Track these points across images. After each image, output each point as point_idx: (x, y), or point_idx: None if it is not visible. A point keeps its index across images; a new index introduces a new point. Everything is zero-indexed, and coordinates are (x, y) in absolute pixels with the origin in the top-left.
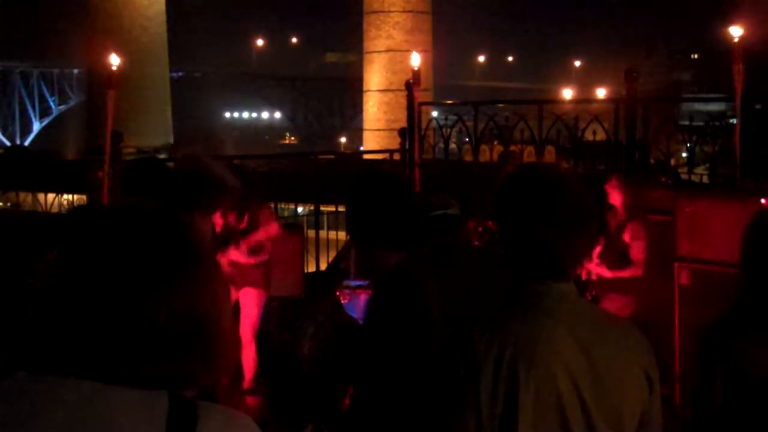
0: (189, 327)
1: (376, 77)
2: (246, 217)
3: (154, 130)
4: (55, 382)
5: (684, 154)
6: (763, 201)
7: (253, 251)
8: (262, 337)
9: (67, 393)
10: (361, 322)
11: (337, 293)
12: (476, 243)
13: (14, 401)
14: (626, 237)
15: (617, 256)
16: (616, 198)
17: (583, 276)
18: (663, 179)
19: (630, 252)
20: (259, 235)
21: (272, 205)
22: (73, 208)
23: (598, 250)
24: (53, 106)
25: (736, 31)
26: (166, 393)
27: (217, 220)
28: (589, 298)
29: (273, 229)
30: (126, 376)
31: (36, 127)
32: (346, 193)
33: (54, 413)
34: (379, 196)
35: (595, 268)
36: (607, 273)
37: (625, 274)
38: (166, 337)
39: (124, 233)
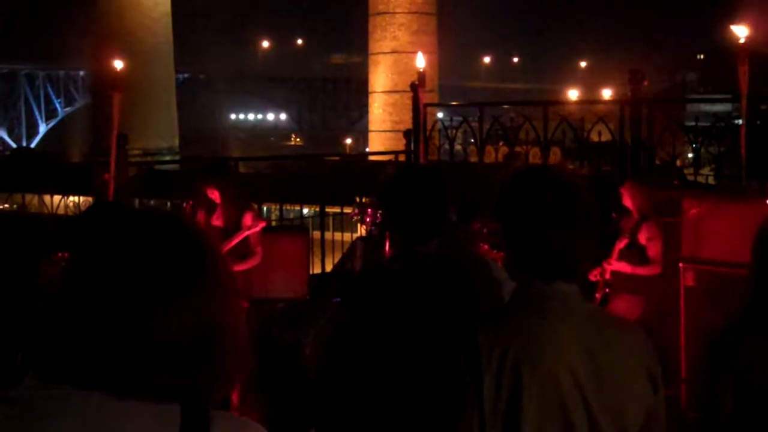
0: (202, 338)
1: (381, 79)
2: (224, 218)
3: (160, 132)
4: (65, 392)
5: (690, 155)
6: None
7: (235, 258)
8: (264, 341)
9: (77, 403)
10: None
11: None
12: (482, 245)
13: (23, 410)
14: (642, 237)
15: (635, 255)
16: (629, 201)
17: (597, 276)
18: (676, 182)
19: (647, 251)
20: (236, 239)
21: (255, 206)
22: (94, 204)
23: (619, 246)
24: (59, 108)
25: (741, 32)
26: (179, 405)
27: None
28: (600, 297)
29: (250, 232)
30: (137, 387)
31: (42, 128)
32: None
33: (63, 424)
34: (415, 190)
35: (615, 264)
36: (627, 269)
37: (644, 271)
38: (178, 348)
39: (136, 240)
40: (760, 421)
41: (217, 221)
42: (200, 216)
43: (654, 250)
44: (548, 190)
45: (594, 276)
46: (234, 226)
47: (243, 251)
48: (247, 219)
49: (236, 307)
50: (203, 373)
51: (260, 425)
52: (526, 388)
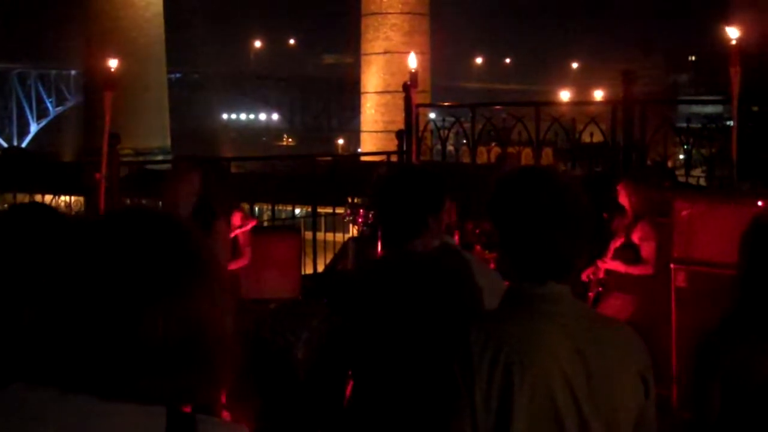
0: (189, 339)
1: (373, 79)
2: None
3: (152, 132)
4: (51, 395)
5: (681, 156)
6: (759, 203)
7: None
8: (256, 343)
9: (63, 406)
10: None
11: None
12: (474, 245)
13: (8, 413)
14: (636, 237)
15: (629, 255)
16: (625, 199)
17: (589, 274)
18: (667, 183)
19: (641, 251)
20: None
21: (246, 207)
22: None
23: (615, 245)
24: (51, 108)
25: (733, 33)
26: (164, 408)
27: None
28: (593, 296)
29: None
30: (123, 391)
31: (33, 128)
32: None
33: (49, 427)
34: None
35: (609, 263)
36: (620, 268)
37: (636, 271)
38: (165, 350)
39: (121, 240)
40: (749, 421)
41: None
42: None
43: (647, 250)
44: (541, 192)
45: (587, 275)
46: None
47: (232, 251)
48: (236, 219)
49: (225, 309)
50: (190, 376)
51: (248, 430)
52: (517, 389)
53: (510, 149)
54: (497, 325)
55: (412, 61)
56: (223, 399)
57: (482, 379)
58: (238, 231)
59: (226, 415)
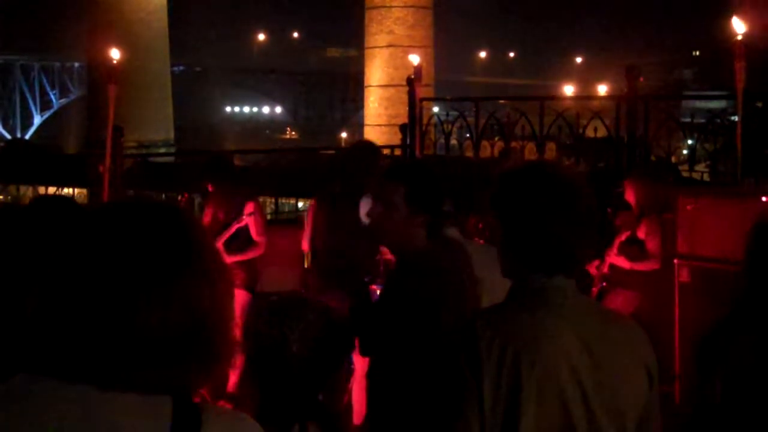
0: (188, 330)
1: (377, 72)
2: (224, 211)
3: (155, 125)
4: (56, 385)
5: (685, 152)
6: (764, 199)
7: (238, 248)
8: (250, 336)
9: (68, 397)
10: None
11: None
12: (477, 240)
13: (13, 404)
14: (641, 232)
15: (635, 250)
16: (632, 195)
17: (594, 269)
18: (670, 178)
19: (646, 246)
20: (231, 229)
21: (261, 200)
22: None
23: (619, 240)
24: (54, 100)
25: (738, 28)
26: (170, 397)
27: (206, 214)
28: (597, 291)
29: (249, 221)
30: (123, 380)
31: (37, 120)
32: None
33: (54, 417)
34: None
35: (614, 258)
36: (626, 264)
37: (642, 267)
38: (163, 340)
39: (116, 230)
40: (749, 417)
41: (220, 215)
42: (207, 211)
43: (653, 245)
44: (549, 186)
45: (592, 269)
46: (235, 218)
47: (244, 242)
48: (249, 209)
49: (226, 299)
50: (191, 365)
51: (251, 418)
52: (525, 383)
53: (513, 143)
54: (504, 317)
55: (416, 56)
56: (228, 389)
57: (490, 374)
58: (246, 220)
59: (229, 405)
